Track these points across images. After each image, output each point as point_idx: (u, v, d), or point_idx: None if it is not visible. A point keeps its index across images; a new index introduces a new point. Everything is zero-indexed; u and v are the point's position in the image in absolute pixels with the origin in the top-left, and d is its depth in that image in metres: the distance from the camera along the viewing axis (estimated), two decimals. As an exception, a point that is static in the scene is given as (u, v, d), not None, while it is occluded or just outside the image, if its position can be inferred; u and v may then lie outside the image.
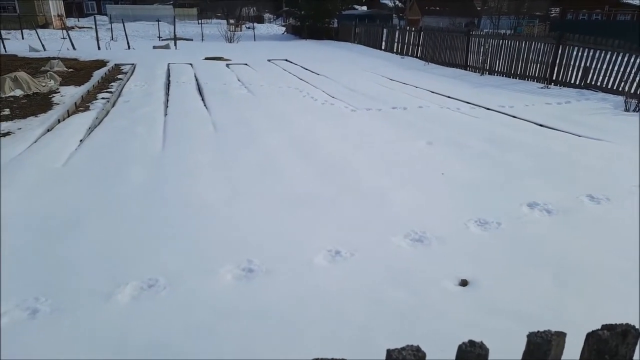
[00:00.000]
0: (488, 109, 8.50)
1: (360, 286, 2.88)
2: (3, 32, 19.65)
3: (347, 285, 2.89)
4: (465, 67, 14.15)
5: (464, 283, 2.91)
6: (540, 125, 7.25)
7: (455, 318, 2.56)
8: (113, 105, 8.33)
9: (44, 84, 9.49)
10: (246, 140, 6.15)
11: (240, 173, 4.90)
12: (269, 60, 16.39)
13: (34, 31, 21.68)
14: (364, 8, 45.52)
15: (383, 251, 3.31)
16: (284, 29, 37.97)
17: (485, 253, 3.31)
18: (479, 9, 41.37)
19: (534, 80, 11.67)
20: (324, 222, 3.78)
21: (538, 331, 0.99)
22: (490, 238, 3.55)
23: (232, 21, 37.08)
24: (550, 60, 11.20)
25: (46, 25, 31.61)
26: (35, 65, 12.62)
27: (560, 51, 10.99)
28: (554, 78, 11.18)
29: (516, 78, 12.17)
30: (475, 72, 13.58)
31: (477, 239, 3.53)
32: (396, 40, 19.05)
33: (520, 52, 12.05)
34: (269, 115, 7.66)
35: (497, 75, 12.83)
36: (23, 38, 22.98)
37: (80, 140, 6.02)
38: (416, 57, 17.16)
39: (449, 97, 9.71)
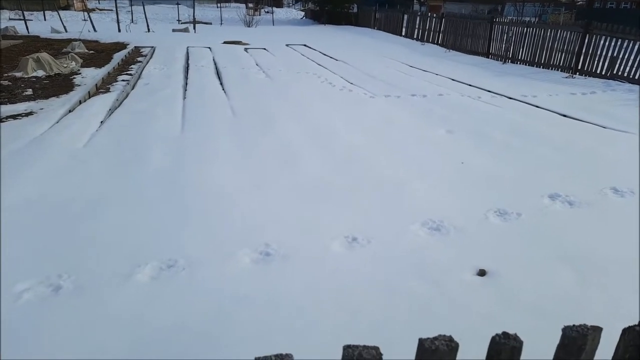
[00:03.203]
0: (510, 98, 8.32)
1: (376, 273, 2.87)
2: (26, 13, 19.88)
3: (364, 272, 2.89)
4: (487, 55, 13.87)
5: (482, 273, 2.88)
6: (564, 116, 7.08)
7: (473, 308, 2.54)
8: (133, 88, 8.39)
9: (65, 65, 9.60)
10: (264, 125, 6.15)
11: (257, 159, 4.91)
12: (287, 45, 16.29)
13: (55, 13, 21.89)
14: (385, -7, 44.71)
15: (400, 239, 3.29)
16: (302, 13, 37.62)
17: (505, 244, 3.27)
18: (503, -5, 40.29)
19: (558, 70, 11.38)
20: (341, 209, 3.77)
21: (574, 325, 0.96)
22: (510, 229, 3.50)
23: (250, 5, 36.86)
24: (576, 50, 10.89)
25: (67, 7, 31.90)
26: (57, 47, 12.76)
27: (586, 40, 10.67)
28: (579, 68, 10.88)
29: (540, 67, 11.88)
30: (497, 60, 13.30)
31: (496, 229, 3.49)
32: (417, 26, 18.73)
33: (545, 40, 11.74)
34: (287, 101, 7.63)
35: (520, 63, 12.54)
36: (45, 19, 23.23)
37: (101, 122, 6.09)
38: (437, 44, 16.86)
39: (469, 85, 9.54)
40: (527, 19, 21.25)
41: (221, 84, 9.03)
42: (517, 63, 12.63)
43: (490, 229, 3.49)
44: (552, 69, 11.54)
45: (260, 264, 2.97)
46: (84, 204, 3.68)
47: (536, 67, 11.98)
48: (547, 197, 4.05)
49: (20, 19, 19.92)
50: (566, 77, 10.59)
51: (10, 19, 21.31)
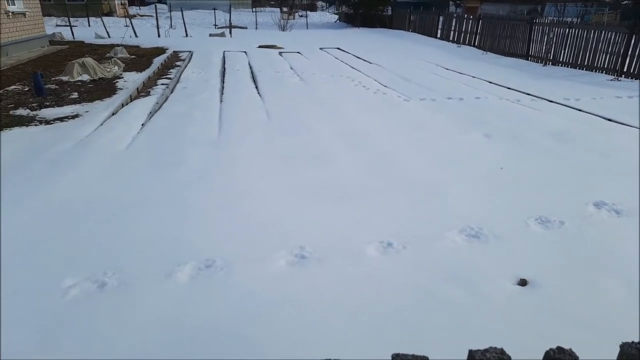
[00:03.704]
0: (551, 101, 8.06)
1: (412, 280, 2.83)
2: (71, 19, 20.80)
3: (399, 278, 2.86)
4: (526, 57, 13.49)
5: (523, 283, 2.80)
6: (609, 120, 6.80)
7: (513, 319, 2.47)
8: (172, 91, 8.62)
9: (108, 70, 9.98)
10: (298, 128, 6.19)
11: (292, 161, 4.94)
12: (321, 49, 16.36)
13: (99, 19, 22.80)
14: (419, -5, 44.28)
15: (437, 246, 3.24)
16: (336, 17, 37.72)
17: (547, 253, 3.16)
18: (542, -5, 39.13)
19: (602, 72, 10.94)
20: (375, 213, 3.74)
21: (632, 342, 0.92)
22: (552, 238, 3.38)
23: (285, 9, 37.26)
24: (622, 51, 10.44)
25: (110, 13, 33.16)
26: (101, 52, 13.29)
27: (633, 41, 10.21)
28: (625, 70, 10.43)
29: (583, 69, 11.47)
30: (537, 62, 12.92)
31: (537, 237, 3.38)
32: (452, 28, 18.45)
33: (588, 41, 11.32)
34: (321, 104, 7.66)
35: (561, 65, 12.14)
36: (89, 25, 24.24)
37: (142, 124, 6.29)
38: (473, 46, 16.55)
39: (508, 88, 9.30)
40: (569, 19, 20.56)
41: (256, 87, 9.16)
42: (558, 65, 12.23)
43: (531, 237, 3.39)
44: (596, 71, 11.11)
45: (295, 267, 2.98)
46: (126, 204, 3.81)
47: (579, 69, 11.56)
48: (592, 204, 3.90)
49: (66, 25, 20.87)
50: (611, 80, 10.17)
51: (57, 26, 22.36)
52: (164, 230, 3.39)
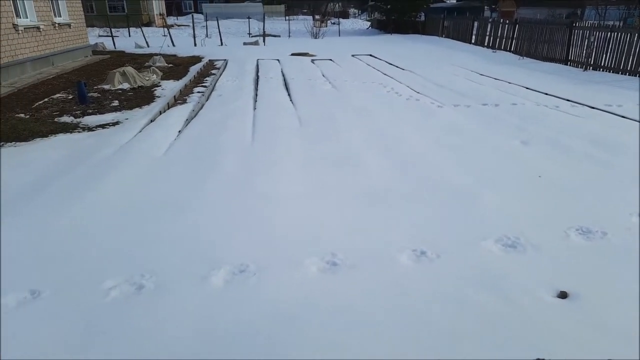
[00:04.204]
0: (592, 107, 7.79)
1: (446, 290, 2.78)
2: (113, 30, 21.65)
3: (433, 287, 2.81)
4: (565, 61, 13.10)
5: (563, 295, 2.70)
6: (655, 127, 6.50)
7: (553, 332, 2.39)
8: (207, 99, 8.83)
9: (147, 78, 10.32)
10: (330, 135, 6.21)
11: (324, 167, 4.96)
12: (353, 56, 16.39)
13: (139, 29, 23.64)
14: (453, 0, 43.81)
15: (472, 255, 3.18)
16: (368, 23, 37.73)
17: (588, 265, 3.04)
18: (582, -2, 37.93)
19: (647, 77, 10.49)
20: (408, 220, 3.70)
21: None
22: (594, 249, 3.26)
23: (317, 17, 37.57)
24: (669, 55, 9.98)
25: (149, 23, 34.33)
26: (140, 61, 13.76)
27: (682, 44, 9.76)
28: (672, 74, 9.96)
29: (626, 74, 11.02)
30: (577, 67, 12.51)
31: (578, 248, 3.26)
32: (487, 33, 18.13)
33: (631, 45, 10.89)
34: (353, 111, 7.67)
35: (603, 70, 11.71)
36: (130, 35, 25.15)
37: (179, 131, 6.46)
38: (509, 51, 16.20)
39: (546, 94, 9.04)
40: (611, 22, 19.83)
41: (289, 94, 9.26)
42: (599, 70, 11.81)
43: (571, 248, 3.27)
44: (639, 76, 10.66)
45: (327, 273, 2.99)
46: (164, 208, 3.92)
47: (622, 74, 11.12)
48: (636, 215, 3.73)
49: (108, 36, 21.74)
50: (657, 85, 9.73)
51: (99, 36, 23.32)
52: (199, 234, 3.46)
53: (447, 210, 3.90)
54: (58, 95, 8.79)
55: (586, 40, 12.28)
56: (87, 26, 15.88)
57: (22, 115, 7.19)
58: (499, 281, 2.85)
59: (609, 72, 11.51)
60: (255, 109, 7.91)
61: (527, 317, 2.51)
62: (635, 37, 10.81)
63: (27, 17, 11.20)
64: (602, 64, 11.77)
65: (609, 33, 11.58)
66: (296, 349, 2.29)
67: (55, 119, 6.99)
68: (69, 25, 13.51)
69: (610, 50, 11.52)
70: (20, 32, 10.51)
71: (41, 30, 11.59)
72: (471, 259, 3.12)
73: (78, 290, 2.76)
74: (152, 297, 2.72)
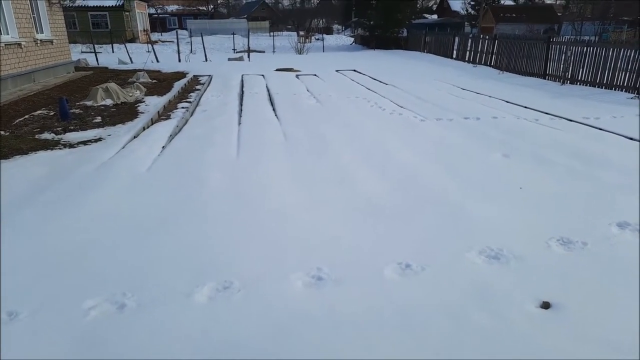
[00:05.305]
0: (570, 120, 7.98)
1: (432, 302, 2.79)
2: (96, 46, 21.55)
3: (419, 300, 2.82)
4: (544, 76, 13.44)
5: (546, 305, 2.73)
6: (631, 139, 6.68)
7: (538, 342, 2.41)
8: (192, 115, 8.81)
9: (131, 94, 10.26)
10: (315, 149, 6.24)
11: (309, 182, 4.97)
12: (337, 71, 16.57)
13: (122, 45, 23.58)
14: (435, 17, 44.76)
15: (456, 267, 3.20)
16: (352, 39, 38.26)
17: (569, 275, 3.09)
18: (559, 14, 39.12)
19: (622, 90, 10.82)
20: (394, 234, 3.72)
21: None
22: (575, 259, 3.31)
23: (301, 33, 37.99)
24: (642, 69, 10.31)
25: (133, 39, 34.26)
26: (124, 77, 13.70)
27: (654, 58, 10.10)
28: (646, 87, 10.28)
29: (602, 87, 11.35)
30: (555, 81, 12.85)
31: (559, 259, 3.31)
32: (468, 48, 18.54)
33: (606, 60, 11.24)
34: (337, 125, 7.72)
35: (579, 84, 12.05)
36: (113, 52, 25.06)
37: (163, 147, 6.42)
38: (490, 65, 16.57)
39: (526, 107, 9.25)
40: (586, 37, 20.45)
41: (274, 109, 9.29)
42: (576, 84, 12.14)
43: (553, 258, 3.32)
44: (615, 90, 10.99)
45: (312, 288, 2.98)
46: (146, 225, 3.87)
47: (598, 87, 11.45)
48: (615, 225, 3.81)
49: (91, 52, 21.63)
50: (631, 98, 10.03)
51: (82, 52, 23.18)
52: (183, 251, 3.42)
53: (430, 222, 3.93)
54: (39, 112, 8.67)
55: (563, 55, 12.64)
56: (70, 42, 15.78)
57: (2, 132, 7.07)
58: (483, 292, 2.88)
59: (586, 85, 11.84)
60: (240, 124, 7.91)
61: (511, 328, 2.53)
62: (610, 52, 11.15)
63: (7, 34, 11.09)
64: (579, 78, 12.11)
65: (585, 48, 11.94)
66: (281, 366, 2.26)
67: (36, 136, 6.89)
68: (51, 41, 13.42)
69: (587, 64, 11.87)
70: (1, 48, 10.39)
71: (22, 46, 11.47)
72: (455, 271, 3.14)
73: (57, 311, 2.70)
74: (134, 315, 2.66)
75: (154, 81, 13.05)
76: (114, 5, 33.79)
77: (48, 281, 3.02)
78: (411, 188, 4.75)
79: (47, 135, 6.93)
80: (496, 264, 3.24)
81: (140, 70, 14.11)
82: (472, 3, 40.80)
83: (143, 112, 8.70)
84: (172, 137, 7.03)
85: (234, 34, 31.92)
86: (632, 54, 10.54)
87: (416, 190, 4.69)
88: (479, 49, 17.53)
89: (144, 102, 9.83)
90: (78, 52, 22.66)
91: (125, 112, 8.72)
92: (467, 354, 2.34)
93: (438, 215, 4.07)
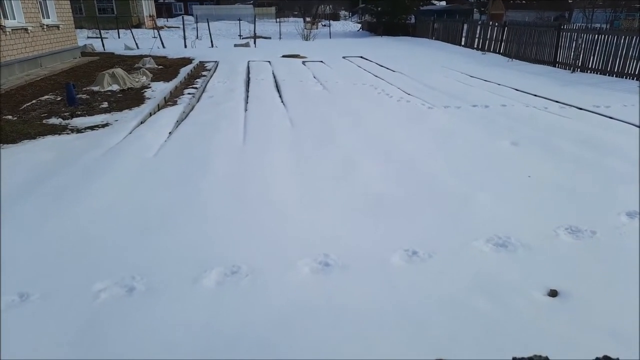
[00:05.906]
0: (580, 108, 7.88)
1: (438, 289, 2.80)
2: (102, 32, 21.47)
3: (425, 287, 2.82)
4: (554, 63, 13.25)
5: (553, 294, 2.73)
6: (641, 128, 6.60)
7: (545, 330, 2.41)
8: (198, 101, 8.79)
9: (137, 80, 10.25)
10: (321, 136, 6.22)
11: (316, 168, 4.96)
12: (344, 57, 16.43)
13: (128, 31, 23.47)
14: (443, 3, 44.13)
15: (463, 255, 3.19)
16: (359, 26, 37.85)
17: (578, 263, 3.08)
18: (570, 1, 38.44)
19: (633, 79, 10.65)
20: (401, 220, 3.72)
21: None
22: (583, 248, 3.29)
23: (308, 19, 37.62)
24: (655, 56, 10.14)
25: (139, 25, 34.08)
26: (130, 62, 13.66)
27: (667, 46, 9.92)
28: (658, 76, 10.12)
29: (613, 76, 11.19)
30: (565, 69, 12.67)
31: (568, 247, 3.29)
32: (477, 35, 18.28)
33: (618, 48, 11.05)
34: (344, 112, 7.68)
35: (590, 72, 11.87)
36: (119, 37, 24.97)
37: (169, 133, 6.42)
38: (499, 53, 16.35)
39: (535, 95, 9.14)
40: (598, 25, 20.11)
41: (280, 96, 9.25)
42: (587, 72, 11.97)
43: (561, 246, 3.31)
44: (626, 78, 10.83)
45: (319, 274, 2.99)
46: (154, 210, 3.89)
47: (609, 75, 11.28)
48: (624, 214, 3.78)
49: (97, 37, 21.55)
50: (643, 86, 9.88)
51: (88, 37, 23.10)
52: (190, 236, 3.44)
53: (438, 210, 3.91)
54: (46, 97, 8.69)
55: (574, 43, 12.44)
56: (76, 28, 15.73)
57: (10, 117, 7.10)
58: (491, 279, 2.87)
59: (597, 73, 11.67)
60: (246, 110, 7.88)
61: (519, 316, 2.53)
62: (622, 40, 10.97)
63: (14, 19, 11.07)
64: (590, 66, 11.93)
65: (597, 35, 11.74)
66: (287, 351, 2.28)
67: (44, 121, 6.91)
68: (57, 26, 13.38)
69: (598, 52, 11.68)
70: (7, 33, 10.38)
71: (29, 31, 11.46)
72: (463, 258, 3.14)
73: (68, 292, 2.73)
74: (143, 299, 2.69)
75: (160, 67, 13.01)
76: (119, -10, 33.52)
77: (58, 265, 3.05)
78: (418, 176, 4.73)
79: (54, 120, 6.95)
80: (504, 251, 3.23)
81: (146, 56, 14.06)
82: (481, -11, 40.11)
83: (149, 98, 8.69)
84: (178, 123, 7.03)
85: (240, 19, 31.59)
86: (645, 42, 10.36)
87: (423, 177, 4.67)
88: (488, 36, 17.29)
89: (150, 87, 9.81)
90: (84, 38, 22.59)
91: (131, 98, 8.71)
92: (474, 339, 2.35)
93: (445, 203, 4.05)
